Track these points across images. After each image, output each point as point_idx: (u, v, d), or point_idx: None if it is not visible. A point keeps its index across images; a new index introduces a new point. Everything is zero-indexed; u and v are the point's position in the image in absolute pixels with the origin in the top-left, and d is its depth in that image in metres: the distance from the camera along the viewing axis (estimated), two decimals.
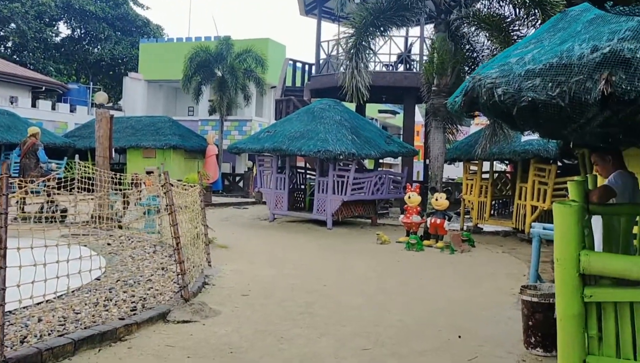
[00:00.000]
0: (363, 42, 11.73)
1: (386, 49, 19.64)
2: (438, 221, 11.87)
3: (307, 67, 23.10)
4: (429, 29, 20.33)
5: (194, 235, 8.02)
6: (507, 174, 16.64)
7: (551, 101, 2.32)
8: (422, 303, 7.27)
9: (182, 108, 33.18)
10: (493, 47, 11.73)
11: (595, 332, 2.65)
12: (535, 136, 12.92)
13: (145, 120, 25.53)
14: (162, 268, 8.23)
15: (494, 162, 15.29)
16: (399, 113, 40.69)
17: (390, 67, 19.86)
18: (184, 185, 9.32)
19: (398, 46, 19.51)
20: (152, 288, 6.95)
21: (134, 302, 6.17)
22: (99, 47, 38.42)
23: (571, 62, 2.38)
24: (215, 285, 7.77)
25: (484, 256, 11.13)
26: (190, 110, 32.70)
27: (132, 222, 11.91)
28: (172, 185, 6.56)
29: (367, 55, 12.12)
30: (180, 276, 6.28)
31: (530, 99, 2.37)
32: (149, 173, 22.12)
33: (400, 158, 20.64)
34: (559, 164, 14.01)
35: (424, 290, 8.03)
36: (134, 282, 7.14)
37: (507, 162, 17.05)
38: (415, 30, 19.34)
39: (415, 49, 19.53)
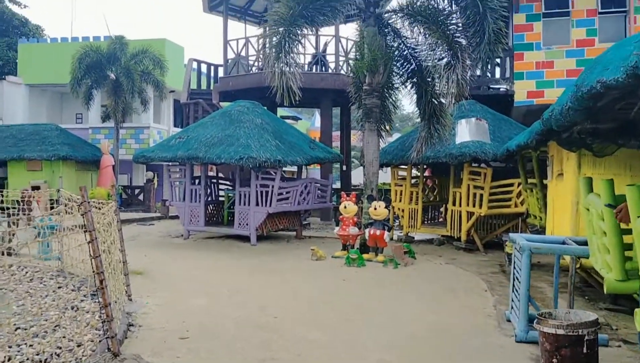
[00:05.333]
0: (292, 35, 10.57)
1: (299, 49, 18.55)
2: (378, 232, 10.92)
3: (212, 68, 21.53)
4: (346, 27, 19.64)
5: (113, 263, 6.46)
6: (429, 180, 16.04)
7: None
8: (396, 331, 6.20)
9: (69, 115, 30.24)
10: (428, 43, 10.99)
11: None
12: (468, 138, 12.39)
13: (29, 128, 22.68)
14: (72, 307, 6.60)
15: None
16: (300, 119, 39.89)
17: (304, 68, 18.81)
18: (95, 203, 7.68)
19: (312, 44, 18.55)
20: (64, 337, 5.37)
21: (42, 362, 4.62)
22: None
23: None
24: (143, 326, 6.27)
25: (430, 269, 10.30)
26: (78, 117, 29.89)
27: (22, 247, 9.92)
28: (90, 204, 5.03)
29: (296, 49, 10.97)
30: (106, 323, 4.78)
31: None
32: (35, 188, 19.63)
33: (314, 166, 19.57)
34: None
35: (388, 315, 6.98)
36: (40, 331, 5.50)
37: (425, 166, 16.50)
38: (329, 30, 18.43)
39: (330, 49, 18.67)
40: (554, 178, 8.22)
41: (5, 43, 33.70)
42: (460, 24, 10.53)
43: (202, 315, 6.79)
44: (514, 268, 6.48)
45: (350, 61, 14.89)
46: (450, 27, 10.44)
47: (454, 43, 10.23)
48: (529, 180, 10.78)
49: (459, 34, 10.43)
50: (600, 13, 13.77)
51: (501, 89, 14.85)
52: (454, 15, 10.65)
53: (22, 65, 28.73)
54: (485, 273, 9.82)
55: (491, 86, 14.68)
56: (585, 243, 5.95)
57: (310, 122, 41.25)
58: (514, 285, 6.43)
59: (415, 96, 12.23)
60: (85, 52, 22.53)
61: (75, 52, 22.55)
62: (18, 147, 21.35)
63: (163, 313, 6.85)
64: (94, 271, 4.78)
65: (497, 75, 15.26)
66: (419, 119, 12.51)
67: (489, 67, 14.59)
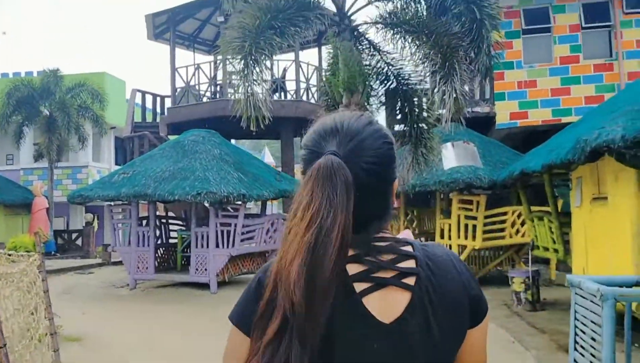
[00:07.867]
0: (260, 49, 9.01)
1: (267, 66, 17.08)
2: None
3: (158, 99, 19.71)
4: (304, 53, 18.34)
5: (36, 337, 4.60)
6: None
7: None
8: None
9: None
10: (416, 56, 9.66)
11: None
12: (455, 163, 11.12)
13: None
14: None
15: None
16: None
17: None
18: (9, 254, 5.80)
19: (270, 70, 17.05)
20: None
21: None
22: None
23: None
24: None
25: None
26: (9, 158, 27.21)
27: None
28: None
29: (264, 66, 9.44)
30: None
31: None
32: None
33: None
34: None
35: None
36: None
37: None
38: (287, 56, 17.04)
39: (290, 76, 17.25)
40: (589, 202, 6.87)
41: None
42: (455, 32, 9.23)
43: None
44: (576, 319, 5.00)
45: (323, 80, 13.46)
46: (444, 37, 9.09)
47: (449, 53, 8.89)
48: (534, 208, 9.50)
49: (454, 43, 9.10)
50: (583, 28, 12.82)
51: (480, 111, 13.71)
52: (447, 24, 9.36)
53: None
54: (498, 317, 8.31)
55: (470, 109, 13.49)
56: None
57: (260, 158, 39.68)
58: (576, 342, 4.94)
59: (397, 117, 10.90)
60: (15, 87, 20.45)
61: (4, 87, 20.40)
62: None
63: None
64: None
65: (476, 96, 14.13)
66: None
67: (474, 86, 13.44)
